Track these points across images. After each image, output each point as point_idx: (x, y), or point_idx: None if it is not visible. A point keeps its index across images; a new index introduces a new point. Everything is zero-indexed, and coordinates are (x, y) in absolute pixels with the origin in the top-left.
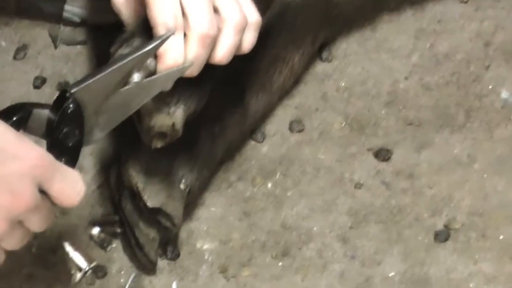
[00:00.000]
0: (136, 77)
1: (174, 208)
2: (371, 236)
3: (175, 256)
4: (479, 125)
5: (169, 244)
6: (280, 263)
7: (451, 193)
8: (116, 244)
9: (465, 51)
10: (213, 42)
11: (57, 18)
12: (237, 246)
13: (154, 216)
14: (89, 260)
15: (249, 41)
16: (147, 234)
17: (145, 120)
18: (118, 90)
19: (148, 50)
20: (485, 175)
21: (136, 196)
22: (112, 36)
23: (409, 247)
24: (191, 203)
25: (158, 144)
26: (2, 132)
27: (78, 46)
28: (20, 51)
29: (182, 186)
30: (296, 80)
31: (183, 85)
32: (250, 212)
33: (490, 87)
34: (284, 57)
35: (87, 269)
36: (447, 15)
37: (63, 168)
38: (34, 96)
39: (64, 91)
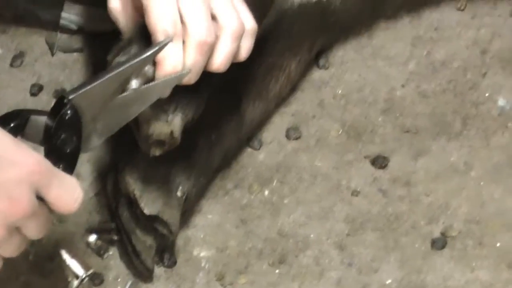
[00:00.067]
0: (134, 83)
1: (171, 216)
2: (368, 244)
3: (172, 263)
4: (476, 132)
5: (166, 251)
6: (277, 271)
7: (448, 200)
8: (113, 252)
9: (462, 58)
10: (210, 49)
11: (54, 25)
12: (234, 253)
13: (151, 223)
14: (86, 267)
15: (246, 49)
16: (144, 241)
17: (143, 128)
18: (116, 97)
19: (147, 56)
20: (482, 183)
21: (133, 204)
22: (109, 43)
23: (406, 254)
24: (188, 210)
25: (157, 152)
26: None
27: (75, 54)
28: (17, 59)
29: (179, 193)
30: (293, 87)
31: (180, 93)
32: (247, 220)
33: (487, 94)
34: (281, 64)
35: (84, 276)
36: (444, 22)
37: (60, 175)
38: (31, 103)
39: (61, 97)
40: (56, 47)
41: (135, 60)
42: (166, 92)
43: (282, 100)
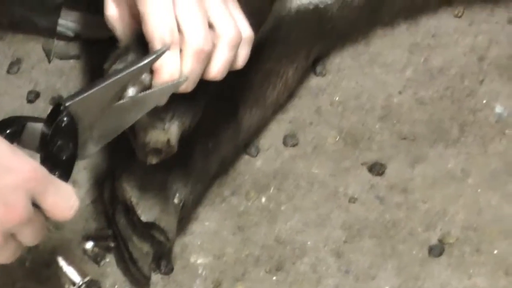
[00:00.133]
0: (131, 91)
1: (168, 223)
2: (365, 251)
3: (169, 270)
4: (473, 139)
5: (163, 258)
6: (274, 278)
7: (445, 207)
8: (110, 259)
9: (459, 65)
10: (207, 58)
11: (51, 32)
12: (231, 260)
13: (148, 230)
14: (82, 274)
15: (243, 57)
16: (141, 248)
17: (140, 136)
18: (112, 105)
19: (144, 64)
20: (479, 190)
21: (129, 211)
22: (106, 51)
23: (403, 261)
24: (185, 217)
25: (153, 160)
26: None
27: (72, 61)
28: (14, 66)
29: (176, 200)
30: (290, 95)
31: (177, 101)
32: (244, 227)
33: (484, 101)
34: (278, 71)
35: (80, 283)
36: (441, 29)
37: (56, 182)
38: (27, 110)
39: (58, 104)
40: (53, 54)
41: (132, 68)
42: (163, 100)
43: (279, 107)
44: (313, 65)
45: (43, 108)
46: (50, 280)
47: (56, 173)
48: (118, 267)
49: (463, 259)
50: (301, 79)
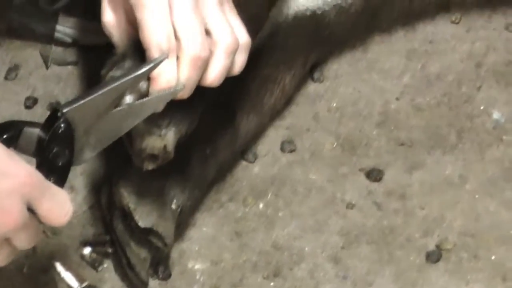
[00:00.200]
0: (128, 99)
1: (166, 228)
2: (363, 257)
3: (167, 276)
4: (471, 146)
5: (161, 264)
6: (271, 284)
7: (443, 213)
8: (108, 264)
9: (456, 71)
10: (204, 64)
11: (49, 38)
12: (229, 266)
13: (145, 236)
14: (80, 280)
15: (240, 63)
16: (139, 254)
17: (137, 143)
18: (109, 111)
19: (142, 72)
20: (476, 196)
21: (127, 216)
22: (103, 57)
23: (401, 267)
24: (183, 223)
25: (150, 166)
26: None
27: (69, 67)
28: (12, 72)
29: (173, 206)
30: (288, 101)
31: (174, 107)
32: (241, 233)
33: (481, 108)
34: (275, 77)
35: None
36: (438, 36)
37: (51, 188)
38: (25, 116)
39: (55, 110)
40: (51, 60)
41: (130, 76)
42: (160, 107)
43: (276, 113)
44: (311, 71)
45: (41, 114)
46: (48, 286)
47: (52, 179)
48: (116, 273)
49: (460, 265)
50: (299, 85)
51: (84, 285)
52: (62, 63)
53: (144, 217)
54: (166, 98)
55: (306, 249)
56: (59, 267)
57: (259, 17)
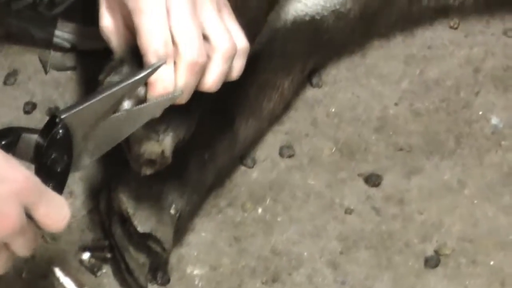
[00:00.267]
0: (126, 104)
1: (164, 233)
2: (361, 262)
3: (165, 281)
4: (469, 151)
5: (159, 269)
6: None
7: (441, 219)
8: (106, 269)
9: (455, 77)
10: (202, 70)
11: (47, 43)
12: (227, 271)
13: (144, 241)
14: (79, 285)
15: (238, 68)
16: (137, 259)
17: (134, 148)
18: (107, 117)
19: (140, 78)
20: (475, 201)
21: (126, 221)
22: (102, 62)
23: (399, 273)
24: (181, 228)
25: (148, 171)
26: None
27: (68, 72)
28: (10, 77)
29: (172, 211)
30: (286, 106)
31: (172, 112)
32: (240, 238)
33: (480, 113)
34: (274, 83)
35: None
36: (437, 41)
37: (49, 193)
38: (24, 121)
39: (53, 116)
40: (50, 65)
41: (128, 82)
42: (158, 113)
43: (275, 118)
44: (309, 76)
45: (39, 119)
46: None
47: (50, 184)
48: (114, 278)
49: (459, 271)
50: (297, 91)
51: None
52: (60, 68)
53: (142, 222)
54: (164, 104)
55: (305, 254)
56: (58, 272)
57: (257, 22)
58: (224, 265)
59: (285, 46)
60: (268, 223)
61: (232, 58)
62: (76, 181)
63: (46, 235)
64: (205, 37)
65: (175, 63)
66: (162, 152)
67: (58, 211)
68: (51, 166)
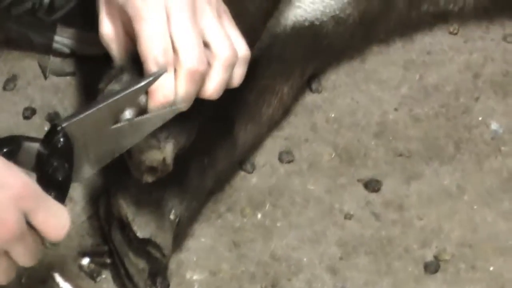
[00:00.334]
0: (127, 113)
1: (164, 239)
2: (361, 268)
3: (165, 286)
4: (469, 156)
5: (159, 274)
6: None
7: (441, 224)
8: (106, 275)
9: (454, 82)
10: (202, 78)
11: (47, 49)
12: (227, 277)
13: (143, 246)
14: None
15: (238, 76)
16: (137, 264)
17: (135, 155)
18: (109, 127)
19: (140, 87)
20: (474, 207)
21: (125, 227)
22: (101, 67)
23: (399, 278)
24: (181, 233)
25: (149, 178)
26: None
27: (68, 77)
28: (10, 82)
29: (171, 216)
30: (286, 111)
31: (173, 119)
32: (239, 243)
33: (479, 118)
34: (273, 88)
35: None
36: (436, 46)
37: (48, 200)
38: (23, 127)
39: (54, 125)
40: (49, 70)
41: (128, 90)
42: (159, 124)
43: (274, 123)
44: (309, 82)
45: (39, 124)
46: None
47: (52, 194)
48: (114, 283)
49: (458, 276)
50: (297, 96)
51: None
52: (60, 74)
53: (142, 227)
54: (166, 116)
55: (304, 259)
56: (57, 277)
57: (256, 28)
58: (224, 271)
59: (285, 52)
60: (267, 228)
61: (233, 65)
62: (76, 187)
63: (45, 241)
64: (206, 44)
65: (175, 70)
66: (164, 159)
67: (58, 219)
68: (53, 175)
